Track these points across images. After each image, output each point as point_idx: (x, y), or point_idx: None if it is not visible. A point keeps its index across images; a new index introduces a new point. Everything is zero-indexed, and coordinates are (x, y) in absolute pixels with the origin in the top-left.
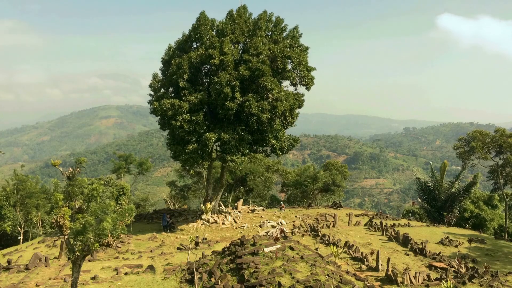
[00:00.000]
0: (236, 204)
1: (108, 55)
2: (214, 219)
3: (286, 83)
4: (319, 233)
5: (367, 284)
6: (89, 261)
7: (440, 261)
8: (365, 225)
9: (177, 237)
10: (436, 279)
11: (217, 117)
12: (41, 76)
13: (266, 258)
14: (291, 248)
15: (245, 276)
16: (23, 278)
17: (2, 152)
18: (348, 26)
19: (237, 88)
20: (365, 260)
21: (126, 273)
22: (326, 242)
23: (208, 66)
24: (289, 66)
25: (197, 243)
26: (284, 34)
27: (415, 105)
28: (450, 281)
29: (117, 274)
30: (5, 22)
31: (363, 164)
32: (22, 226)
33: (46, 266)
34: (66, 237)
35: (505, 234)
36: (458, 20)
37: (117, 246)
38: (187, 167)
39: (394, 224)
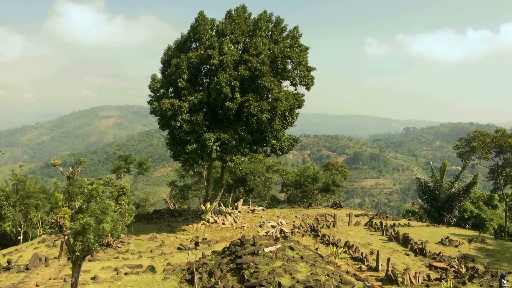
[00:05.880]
0: (236, 204)
1: None
2: (214, 219)
3: (286, 83)
4: (319, 233)
5: (367, 284)
6: (89, 261)
7: (440, 261)
8: (365, 225)
9: (177, 237)
10: (436, 279)
11: (217, 117)
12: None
13: (266, 258)
14: (291, 248)
15: (245, 276)
16: (23, 278)
17: (2, 152)
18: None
19: (237, 88)
20: (365, 260)
21: (126, 273)
22: (326, 242)
23: (207, 66)
24: (289, 66)
25: (197, 243)
26: (284, 34)
27: (415, 105)
28: (450, 281)
29: (117, 274)
30: None
31: (363, 164)
32: (22, 226)
33: (46, 266)
34: (66, 237)
35: (505, 234)
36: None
37: (117, 246)
38: (187, 167)
39: (394, 224)
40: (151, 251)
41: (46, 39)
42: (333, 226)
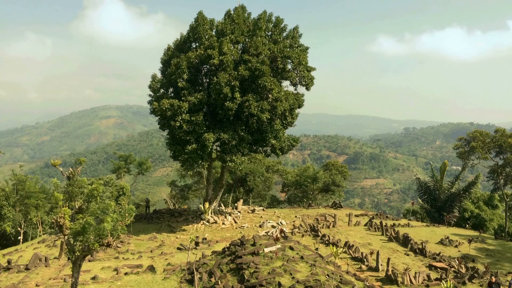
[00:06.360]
0: (236, 204)
1: None
2: (214, 219)
3: (286, 83)
4: (319, 233)
5: (367, 284)
6: (89, 261)
7: (440, 261)
8: (365, 225)
9: (177, 237)
10: (436, 279)
11: (217, 117)
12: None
13: (266, 258)
14: (291, 248)
15: (245, 276)
16: (23, 278)
17: (2, 152)
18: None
19: (237, 88)
20: (365, 260)
21: (126, 273)
22: (326, 242)
23: (207, 66)
24: (289, 66)
25: (197, 243)
26: (284, 34)
27: (415, 105)
28: (450, 281)
29: (117, 274)
30: None
31: (363, 164)
32: (22, 226)
33: (46, 266)
34: (66, 237)
35: (505, 234)
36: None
37: (117, 246)
38: (187, 168)
39: (394, 224)
40: (151, 251)
41: (69, 41)
42: (333, 226)
